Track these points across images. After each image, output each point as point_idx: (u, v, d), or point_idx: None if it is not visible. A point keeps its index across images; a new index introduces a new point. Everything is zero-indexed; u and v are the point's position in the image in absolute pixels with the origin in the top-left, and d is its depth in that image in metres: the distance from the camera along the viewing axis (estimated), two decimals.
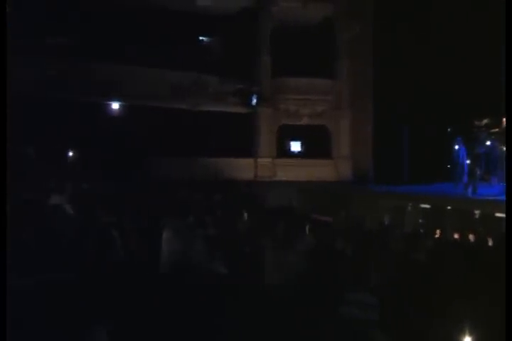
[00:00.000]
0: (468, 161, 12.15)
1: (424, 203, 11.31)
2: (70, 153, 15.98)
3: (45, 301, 2.58)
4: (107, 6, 16.48)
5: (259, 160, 18.30)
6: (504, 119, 10.34)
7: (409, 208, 11.44)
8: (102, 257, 3.56)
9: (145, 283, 2.96)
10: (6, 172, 2.82)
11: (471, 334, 2.66)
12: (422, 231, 7.80)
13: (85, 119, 15.35)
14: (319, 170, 18.09)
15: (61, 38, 15.92)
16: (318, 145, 18.90)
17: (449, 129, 14.13)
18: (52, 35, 15.85)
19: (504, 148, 10.49)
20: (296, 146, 19.52)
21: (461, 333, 2.64)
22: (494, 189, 10.82)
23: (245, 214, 7.12)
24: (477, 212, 9.63)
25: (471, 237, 7.03)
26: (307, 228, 6.56)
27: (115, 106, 16.93)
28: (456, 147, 12.41)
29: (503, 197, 7.86)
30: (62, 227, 5.33)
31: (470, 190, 11.41)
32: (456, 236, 7.45)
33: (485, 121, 11.80)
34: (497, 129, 11.44)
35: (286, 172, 17.81)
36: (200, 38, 19.96)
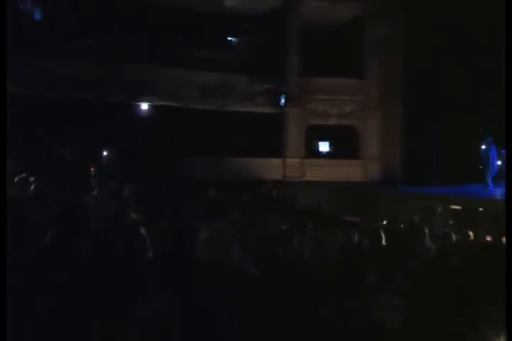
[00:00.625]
0: (499, 162, 11.96)
1: (454, 204, 11.17)
2: (101, 154, 16.24)
3: (78, 300, 2.64)
4: (136, 7, 16.70)
5: (287, 160, 18.31)
6: None
7: (439, 209, 11.31)
8: (133, 257, 3.61)
9: (175, 283, 3.00)
10: (6, 172, 2.86)
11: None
12: (452, 233, 7.71)
13: (115, 120, 15.58)
14: (347, 171, 18.01)
15: (92, 39, 16.17)
16: (346, 145, 18.81)
17: (480, 129, 13.92)
18: (83, 37, 16.11)
19: None
20: (324, 146, 19.47)
21: (493, 338, 2.62)
22: None
23: (274, 214, 7.15)
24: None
25: (503, 240, 6.92)
26: (336, 228, 6.55)
27: (144, 106, 17.13)
28: (487, 147, 12.22)
29: None
30: (93, 227, 5.43)
31: (500, 191, 11.24)
32: (487, 238, 7.35)
33: None
34: None
35: (315, 173, 17.77)
36: (229, 38, 20.06)
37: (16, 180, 5.82)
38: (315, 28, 18.22)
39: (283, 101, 17.97)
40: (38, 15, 17.65)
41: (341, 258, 4.65)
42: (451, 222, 10.79)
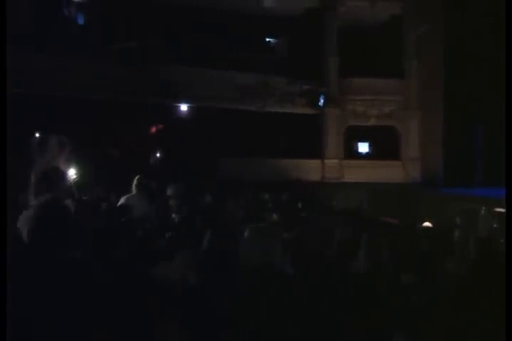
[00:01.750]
0: None
1: (499, 207, 10.88)
2: (141, 155, 16.49)
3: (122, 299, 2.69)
4: (175, 9, 16.91)
5: (326, 161, 18.23)
6: None
7: (482, 212, 11.02)
8: (175, 257, 3.67)
9: (215, 283, 3.04)
10: (6, 173, 2.90)
11: None
12: (496, 236, 7.53)
13: (155, 121, 15.82)
14: (387, 172, 17.79)
15: (133, 42, 16.46)
16: (386, 146, 18.58)
17: None
18: (125, 40, 16.42)
19: None
20: (363, 147, 19.29)
21: None
22: None
23: (314, 215, 7.14)
24: None
25: None
26: (375, 230, 6.49)
27: (183, 107, 17.33)
28: None
29: None
30: (134, 227, 5.52)
31: None
32: None
33: None
34: None
35: (354, 174, 17.64)
36: (267, 39, 20.09)
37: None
38: (354, 27, 18.10)
39: (322, 102, 17.90)
40: (81, 20, 18.12)
41: (380, 260, 4.60)
42: (495, 226, 10.51)
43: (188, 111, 17.34)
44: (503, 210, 10.75)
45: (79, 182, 6.75)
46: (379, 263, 4.27)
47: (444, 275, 3.99)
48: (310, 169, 17.88)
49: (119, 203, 6.53)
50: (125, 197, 6.65)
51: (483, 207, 11.14)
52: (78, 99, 15.07)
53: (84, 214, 5.20)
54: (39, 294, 2.18)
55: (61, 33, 16.19)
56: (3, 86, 3.18)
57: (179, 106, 17.35)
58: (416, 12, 18.11)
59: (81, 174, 6.79)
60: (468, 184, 14.67)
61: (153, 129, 15.67)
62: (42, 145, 6.49)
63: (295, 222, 6.75)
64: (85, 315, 2.19)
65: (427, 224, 8.58)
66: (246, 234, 3.06)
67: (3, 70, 3.24)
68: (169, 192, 8.13)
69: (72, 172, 6.65)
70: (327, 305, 2.89)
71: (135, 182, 6.72)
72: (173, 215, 6.47)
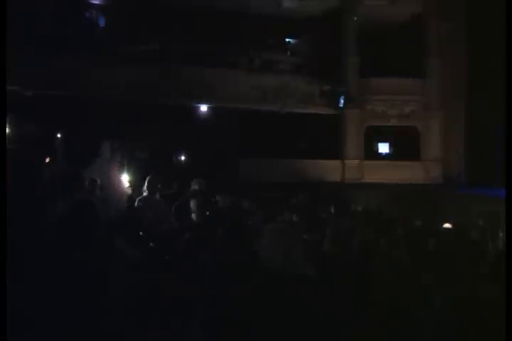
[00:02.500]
0: None
1: None
2: (163, 155, 16.60)
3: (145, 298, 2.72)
4: (196, 11, 17.01)
5: (346, 161, 18.15)
6: None
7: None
8: (195, 257, 3.69)
9: (234, 283, 3.05)
10: (6, 173, 2.91)
11: None
12: None
13: (176, 122, 15.90)
14: (408, 172, 17.65)
15: (153, 43, 16.60)
16: (406, 146, 18.42)
17: None
18: (146, 41, 16.57)
19: None
20: (384, 148, 19.17)
21: None
22: None
23: (334, 216, 7.13)
24: None
25: None
26: (396, 231, 6.46)
27: (204, 108, 17.40)
28: None
29: None
30: (156, 227, 5.56)
31: None
32: None
33: None
34: None
35: (374, 175, 17.52)
36: (287, 39, 20.09)
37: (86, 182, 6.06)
38: (374, 27, 17.99)
39: (342, 102, 17.83)
40: (102, 23, 18.35)
41: (400, 262, 4.58)
42: None
43: (208, 111, 17.41)
44: None
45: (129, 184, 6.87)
46: (399, 263, 4.26)
47: (464, 276, 3.95)
48: (330, 170, 17.82)
49: (140, 204, 6.58)
50: (148, 197, 6.70)
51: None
52: (100, 101, 15.26)
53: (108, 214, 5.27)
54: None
55: (83, 36, 16.40)
56: (3, 86, 3.21)
57: (200, 107, 17.43)
58: (437, 10, 17.92)
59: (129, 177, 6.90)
60: (491, 184, 14.48)
61: (174, 130, 15.75)
62: (95, 149, 6.66)
63: (315, 222, 6.75)
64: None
65: (448, 225, 8.51)
66: (266, 234, 3.07)
67: (3, 70, 3.27)
68: (190, 192, 8.18)
69: (121, 176, 6.77)
70: (348, 306, 2.89)
71: (155, 182, 6.76)
72: (193, 215, 6.49)
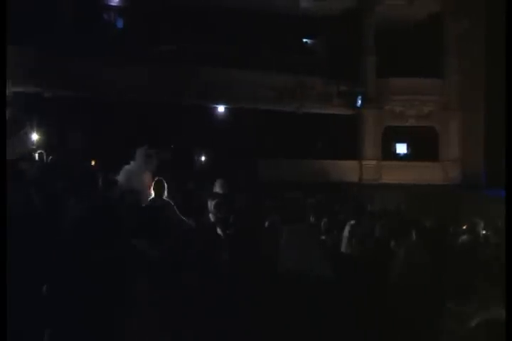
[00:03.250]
0: None
1: None
2: (179, 156, 16.67)
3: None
4: (214, 11, 17.06)
5: (364, 162, 18.07)
6: None
7: None
8: (211, 257, 3.71)
9: (252, 283, 3.06)
10: (5, 173, 2.94)
11: None
12: None
13: (193, 123, 15.97)
14: (426, 173, 17.50)
15: (169, 44, 16.69)
16: (425, 147, 18.27)
17: None
18: (162, 42, 16.67)
19: None
20: (402, 148, 19.03)
21: None
22: None
23: (352, 217, 7.09)
24: None
25: None
26: (414, 233, 6.41)
27: (221, 108, 17.44)
28: None
29: None
30: (173, 227, 5.60)
31: None
32: None
33: None
34: None
35: (392, 175, 17.41)
36: (304, 39, 20.06)
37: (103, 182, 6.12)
38: (392, 26, 17.88)
39: (360, 102, 17.74)
40: (120, 24, 18.51)
41: (418, 264, 4.56)
42: None
43: (225, 112, 17.45)
44: None
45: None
46: (418, 264, 4.24)
47: (483, 276, 3.93)
48: (347, 170, 17.75)
49: (160, 204, 6.62)
50: (164, 197, 6.74)
51: None
52: (117, 102, 15.39)
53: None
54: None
55: (101, 37, 16.56)
56: (3, 86, 3.25)
57: (217, 108, 17.47)
58: (456, 9, 17.75)
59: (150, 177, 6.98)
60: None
61: (192, 131, 15.82)
62: (134, 155, 6.77)
63: (333, 223, 6.73)
64: None
65: (466, 225, 8.42)
66: (285, 235, 3.08)
67: (3, 71, 3.31)
68: (208, 192, 8.22)
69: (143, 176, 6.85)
70: (365, 306, 2.89)
71: (175, 183, 6.81)
72: (211, 215, 6.52)
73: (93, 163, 11.76)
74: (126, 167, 7.12)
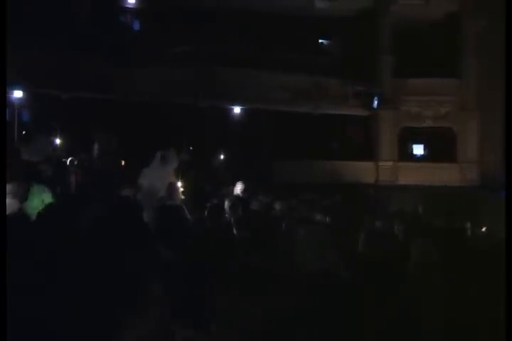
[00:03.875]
0: None
1: None
2: (195, 157, 16.73)
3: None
4: (229, 12, 17.11)
5: (380, 163, 17.96)
6: None
7: None
8: (227, 258, 3.71)
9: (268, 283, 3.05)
10: (5, 173, 2.94)
11: None
12: None
13: (208, 123, 16.02)
14: (443, 174, 17.34)
15: (185, 45, 16.77)
16: (442, 148, 18.10)
17: None
18: (178, 44, 16.76)
19: None
20: (418, 149, 18.89)
21: None
22: None
23: (368, 218, 7.06)
24: None
25: None
26: (431, 234, 6.35)
27: (237, 109, 17.47)
28: None
29: None
30: (186, 228, 5.59)
31: None
32: None
33: None
34: None
35: (409, 176, 17.29)
36: (320, 40, 20.03)
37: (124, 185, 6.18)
38: (408, 26, 17.76)
39: (376, 103, 17.65)
40: (136, 26, 18.67)
41: (437, 267, 4.51)
42: None
43: (241, 113, 17.48)
44: None
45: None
46: (434, 267, 4.20)
47: (500, 279, 3.87)
48: (363, 171, 17.66)
49: (172, 204, 6.64)
50: (181, 198, 6.76)
51: None
52: (134, 103, 15.49)
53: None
54: None
55: (118, 39, 16.70)
56: (3, 86, 3.27)
57: (233, 108, 17.51)
58: (474, 8, 17.57)
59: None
60: None
61: (208, 132, 15.88)
62: (164, 159, 6.84)
63: (349, 224, 6.69)
64: None
65: (485, 228, 8.34)
66: (301, 236, 3.07)
67: (3, 71, 3.33)
68: (224, 193, 8.23)
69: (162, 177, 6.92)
70: (381, 308, 2.86)
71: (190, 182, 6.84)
72: (227, 216, 6.53)
73: (113, 164, 11.87)
74: (147, 169, 7.16)
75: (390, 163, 17.91)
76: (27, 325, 2.10)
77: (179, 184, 6.70)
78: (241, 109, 17.43)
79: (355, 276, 3.12)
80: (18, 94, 14.60)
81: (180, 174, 7.44)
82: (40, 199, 5.42)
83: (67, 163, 9.76)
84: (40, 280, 2.30)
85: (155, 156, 7.18)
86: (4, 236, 2.27)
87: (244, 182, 7.93)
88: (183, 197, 6.70)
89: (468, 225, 9.14)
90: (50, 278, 2.33)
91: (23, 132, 13.31)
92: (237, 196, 7.38)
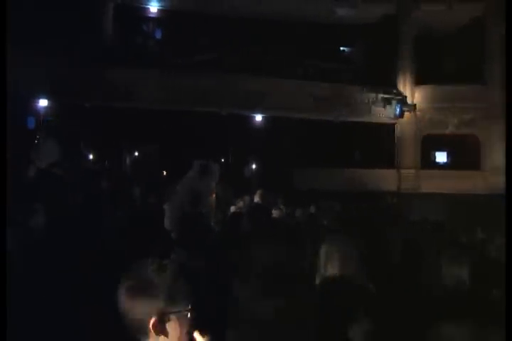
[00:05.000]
0: None
1: None
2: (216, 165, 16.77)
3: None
4: (250, 21, 17.20)
5: (402, 171, 17.78)
6: None
7: None
8: (247, 265, 3.70)
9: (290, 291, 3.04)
10: (6, 173, 2.96)
11: None
12: None
13: (230, 132, 16.08)
14: (467, 182, 17.08)
15: (207, 53, 16.89)
16: (465, 155, 17.88)
17: None
18: (199, 52, 16.89)
19: None
20: (441, 157, 18.68)
21: None
22: None
23: (391, 227, 6.99)
24: None
25: None
26: (455, 244, 6.26)
27: (259, 118, 17.50)
28: None
29: None
30: (208, 236, 5.61)
31: None
32: None
33: None
34: None
35: (432, 185, 17.07)
36: (341, 48, 20.00)
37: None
38: (431, 32, 17.63)
39: (398, 110, 17.52)
40: (158, 34, 18.89)
41: (460, 273, 4.44)
42: None
43: (263, 121, 17.50)
44: None
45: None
46: (458, 276, 4.13)
47: None
48: (386, 179, 17.52)
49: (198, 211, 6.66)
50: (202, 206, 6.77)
51: None
52: (156, 112, 15.64)
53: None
54: None
55: (140, 47, 16.92)
56: (3, 86, 3.31)
57: (254, 117, 17.55)
58: (499, 12, 17.32)
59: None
60: None
61: (228, 140, 15.94)
62: (205, 170, 6.90)
63: (372, 233, 6.63)
64: None
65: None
66: (323, 245, 3.05)
67: (4, 71, 3.38)
68: (244, 200, 8.23)
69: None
70: (405, 317, 2.83)
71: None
72: (247, 224, 6.53)
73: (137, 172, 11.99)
74: (182, 178, 7.17)
75: (413, 171, 17.72)
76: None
77: (207, 192, 6.70)
78: (263, 117, 17.45)
79: (378, 286, 3.09)
80: (43, 102, 14.89)
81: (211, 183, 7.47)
82: None
83: (96, 171, 9.88)
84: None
85: (193, 165, 7.16)
86: (4, 236, 2.29)
87: (265, 190, 7.92)
88: (208, 205, 6.71)
89: (493, 234, 8.99)
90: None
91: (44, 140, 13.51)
92: (258, 204, 7.37)
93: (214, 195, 6.58)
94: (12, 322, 2.05)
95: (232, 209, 7.66)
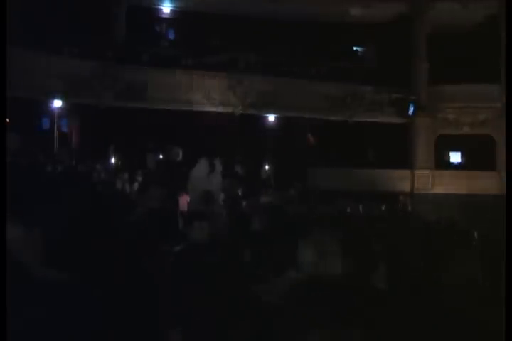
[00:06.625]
0: None
1: None
2: (231, 164, 16.80)
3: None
4: (264, 21, 17.20)
5: (416, 171, 17.66)
6: None
7: None
8: (257, 265, 3.69)
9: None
10: (5, 173, 2.96)
11: None
12: None
13: (243, 132, 16.10)
14: (482, 183, 16.92)
15: (220, 54, 16.94)
16: (480, 155, 17.69)
17: None
18: (213, 53, 16.94)
19: None
20: (456, 157, 18.52)
21: None
22: None
23: (404, 227, 6.96)
24: None
25: None
26: (469, 244, 6.21)
27: (272, 118, 17.49)
28: None
29: None
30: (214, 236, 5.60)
31: None
32: None
33: None
34: None
35: (445, 185, 16.95)
36: (355, 47, 19.93)
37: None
38: (445, 31, 17.47)
39: (412, 110, 17.41)
40: (172, 36, 18.97)
41: (474, 274, 4.39)
42: None
43: (276, 121, 17.49)
44: None
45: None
46: (472, 276, 4.09)
47: None
48: (399, 179, 17.41)
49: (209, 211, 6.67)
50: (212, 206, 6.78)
51: None
52: (169, 112, 15.69)
53: None
54: None
55: (153, 48, 16.99)
56: (3, 88, 3.33)
57: (267, 117, 17.54)
58: None
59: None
60: None
61: (242, 140, 15.95)
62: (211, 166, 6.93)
63: (385, 233, 6.59)
64: None
65: None
66: (334, 245, 3.03)
67: (4, 72, 3.39)
68: (257, 200, 8.22)
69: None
70: (418, 318, 2.79)
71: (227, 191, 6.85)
72: (259, 224, 6.51)
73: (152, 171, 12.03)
74: (192, 175, 7.19)
75: (427, 171, 17.59)
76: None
77: (217, 191, 6.71)
78: (276, 117, 17.43)
79: (391, 287, 3.06)
80: (57, 103, 15.00)
81: (220, 181, 7.47)
82: None
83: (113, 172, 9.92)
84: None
85: (200, 163, 7.18)
86: (4, 236, 2.29)
87: (279, 190, 7.92)
88: (218, 204, 6.71)
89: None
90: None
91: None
92: (271, 203, 7.36)
93: (224, 193, 6.58)
94: (12, 322, 2.06)
95: (243, 207, 7.66)
